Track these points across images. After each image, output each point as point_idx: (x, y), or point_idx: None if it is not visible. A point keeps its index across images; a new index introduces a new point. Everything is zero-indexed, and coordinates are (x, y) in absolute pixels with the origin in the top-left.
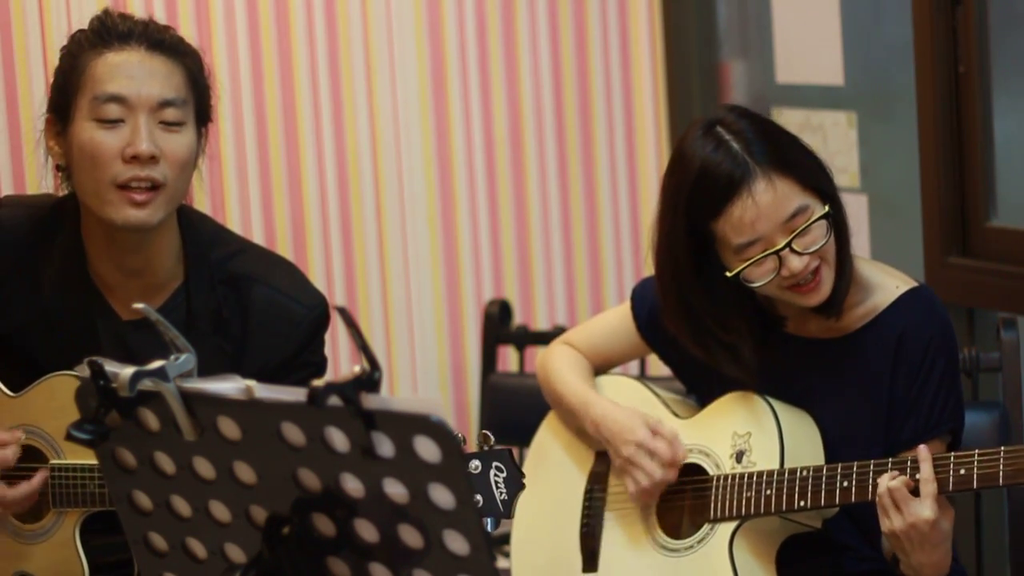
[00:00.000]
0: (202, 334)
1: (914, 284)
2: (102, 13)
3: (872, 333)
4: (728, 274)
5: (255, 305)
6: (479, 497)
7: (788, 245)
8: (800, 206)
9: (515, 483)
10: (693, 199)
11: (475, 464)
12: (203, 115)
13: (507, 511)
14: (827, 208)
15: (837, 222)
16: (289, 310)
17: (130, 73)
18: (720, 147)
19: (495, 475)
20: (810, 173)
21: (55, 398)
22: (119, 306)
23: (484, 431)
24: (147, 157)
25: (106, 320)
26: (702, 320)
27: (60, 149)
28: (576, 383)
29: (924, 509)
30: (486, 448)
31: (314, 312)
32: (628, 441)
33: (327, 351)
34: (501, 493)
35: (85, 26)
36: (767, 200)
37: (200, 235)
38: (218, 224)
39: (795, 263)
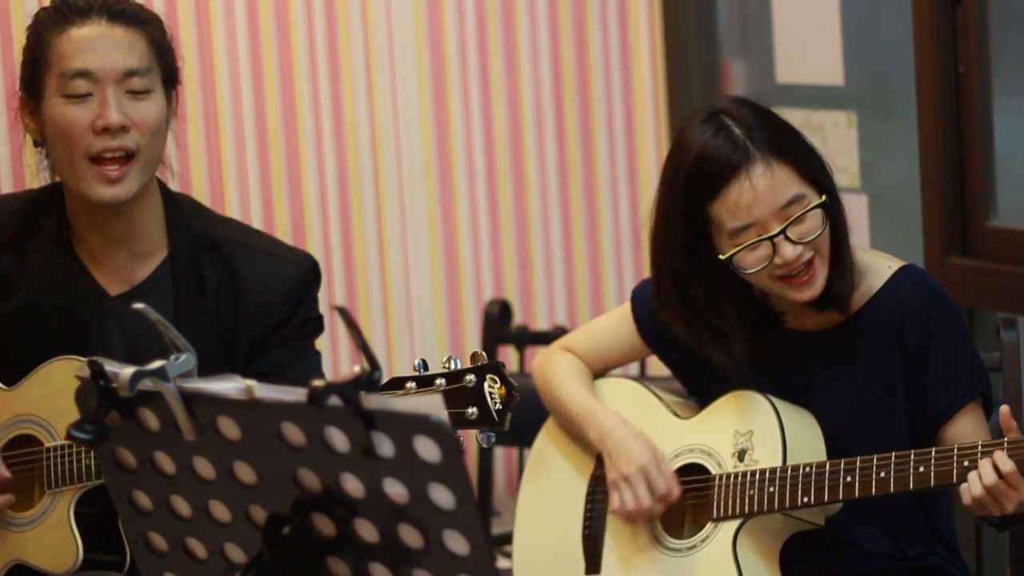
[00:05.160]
0: (188, 297)
1: (903, 263)
2: None
3: (870, 314)
4: (721, 257)
5: (240, 270)
6: (474, 409)
7: (783, 232)
8: (797, 194)
9: (510, 394)
10: (690, 181)
11: (470, 378)
12: (170, 79)
13: (503, 421)
14: (823, 198)
15: (834, 216)
16: (276, 268)
17: (93, 47)
18: (720, 132)
19: (489, 387)
20: (808, 164)
21: (51, 383)
22: (106, 280)
23: (476, 350)
24: (117, 127)
25: (93, 296)
26: (695, 305)
27: (35, 126)
28: (581, 392)
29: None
30: (479, 364)
31: (303, 267)
32: (632, 461)
33: (327, 354)
34: (496, 403)
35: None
36: (764, 185)
37: (181, 206)
38: (197, 201)
39: (788, 251)
